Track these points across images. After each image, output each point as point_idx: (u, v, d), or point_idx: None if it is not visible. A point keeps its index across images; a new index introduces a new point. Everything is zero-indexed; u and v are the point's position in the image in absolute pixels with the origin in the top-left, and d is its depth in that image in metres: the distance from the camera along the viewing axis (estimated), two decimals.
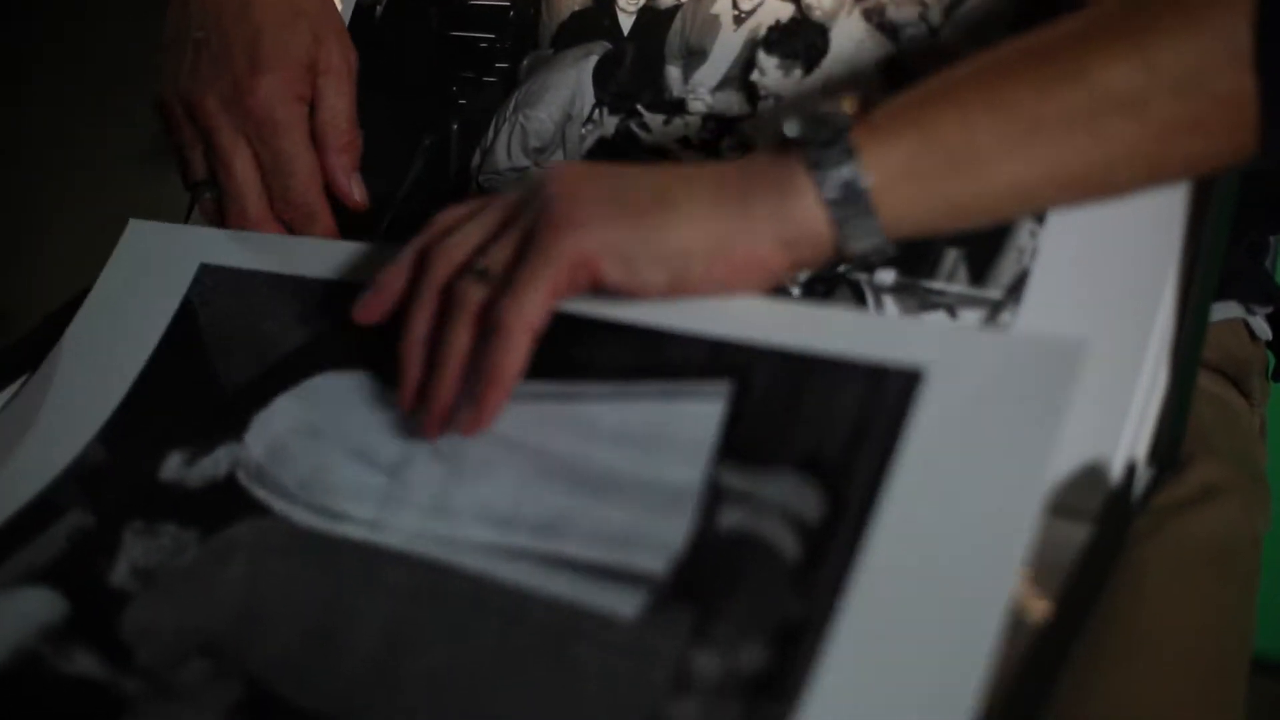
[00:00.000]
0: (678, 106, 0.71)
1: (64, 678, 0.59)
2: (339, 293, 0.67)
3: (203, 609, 0.59)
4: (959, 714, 0.47)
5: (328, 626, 0.57)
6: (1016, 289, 0.61)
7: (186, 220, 0.79)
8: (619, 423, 0.58)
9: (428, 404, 0.59)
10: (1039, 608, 0.55)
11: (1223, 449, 0.67)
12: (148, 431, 0.67)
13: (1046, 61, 0.55)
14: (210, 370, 0.68)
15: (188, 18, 0.74)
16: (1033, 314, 0.60)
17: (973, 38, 0.66)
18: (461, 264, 0.59)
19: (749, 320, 0.58)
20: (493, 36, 0.77)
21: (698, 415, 0.57)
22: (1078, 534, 0.57)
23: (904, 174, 0.55)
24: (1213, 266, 0.59)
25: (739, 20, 0.71)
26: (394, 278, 0.61)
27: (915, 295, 0.62)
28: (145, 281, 0.73)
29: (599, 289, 0.57)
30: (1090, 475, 0.58)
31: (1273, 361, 0.80)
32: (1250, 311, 0.76)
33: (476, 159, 0.76)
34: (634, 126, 0.72)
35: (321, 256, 0.70)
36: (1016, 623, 0.53)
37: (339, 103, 0.74)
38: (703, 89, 0.71)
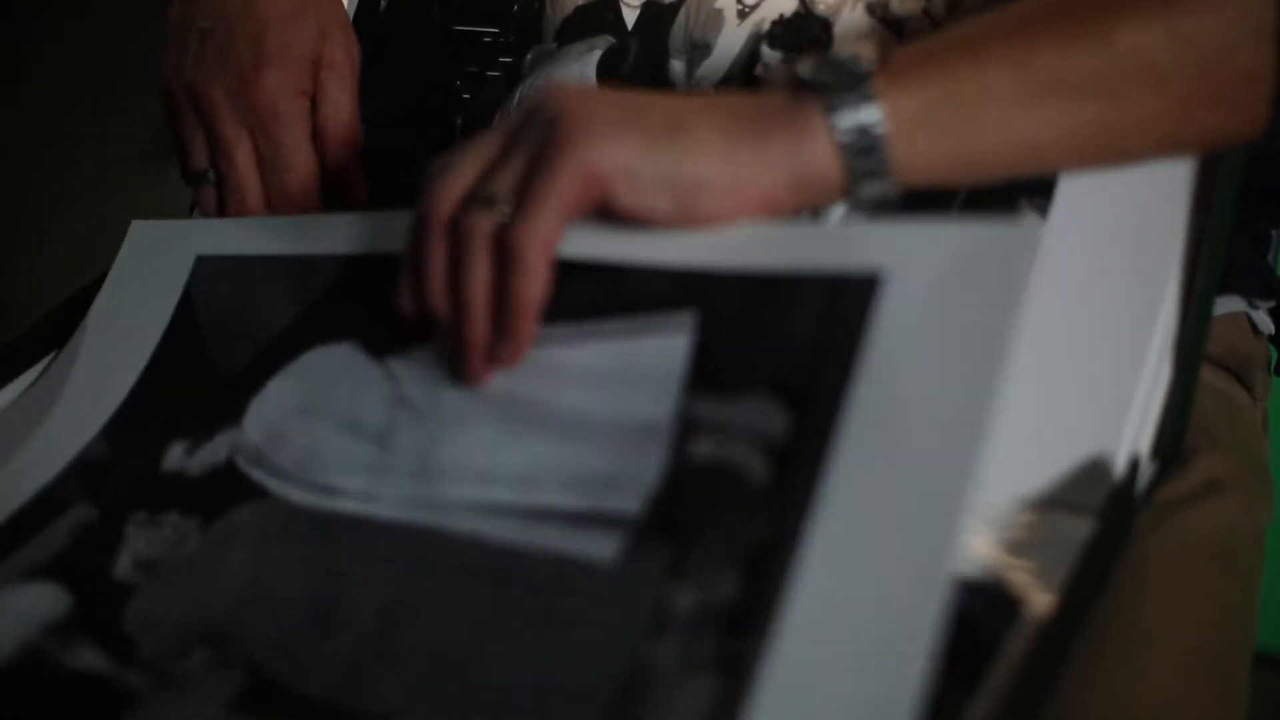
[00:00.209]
0: None
1: (68, 673, 0.58)
2: (325, 265, 0.67)
3: (205, 597, 0.59)
4: (925, 627, 0.47)
5: (324, 606, 0.57)
6: None
7: (191, 215, 0.79)
8: (586, 364, 0.57)
9: (464, 348, 0.57)
10: (1041, 602, 0.54)
11: (1226, 443, 0.67)
12: (151, 426, 0.67)
13: (1072, 22, 0.55)
14: (209, 360, 0.68)
15: (193, 7, 0.74)
16: (1035, 307, 0.60)
17: None
18: (464, 194, 0.56)
19: (708, 247, 0.56)
20: (496, 31, 0.77)
21: (664, 350, 0.56)
22: (1080, 529, 0.57)
23: (920, 123, 0.55)
24: (1215, 260, 0.59)
25: (743, 14, 0.71)
26: (409, 248, 0.58)
27: None
28: (148, 279, 0.73)
29: (605, 211, 0.55)
30: (1093, 470, 0.58)
31: (1275, 355, 0.80)
32: (1253, 305, 0.76)
33: None
34: None
35: (308, 232, 0.70)
36: (1018, 618, 0.54)
37: (342, 98, 0.74)
38: (707, 83, 0.71)
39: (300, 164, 0.73)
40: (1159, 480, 0.59)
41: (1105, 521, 0.56)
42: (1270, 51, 0.54)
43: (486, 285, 0.56)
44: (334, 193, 0.75)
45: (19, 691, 0.59)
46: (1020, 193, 0.62)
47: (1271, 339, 0.79)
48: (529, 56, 0.76)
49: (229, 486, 0.62)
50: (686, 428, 0.54)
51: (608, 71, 0.74)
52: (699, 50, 0.72)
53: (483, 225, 0.55)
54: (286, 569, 0.59)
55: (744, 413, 0.54)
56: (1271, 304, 0.77)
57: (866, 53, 0.55)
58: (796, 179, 0.55)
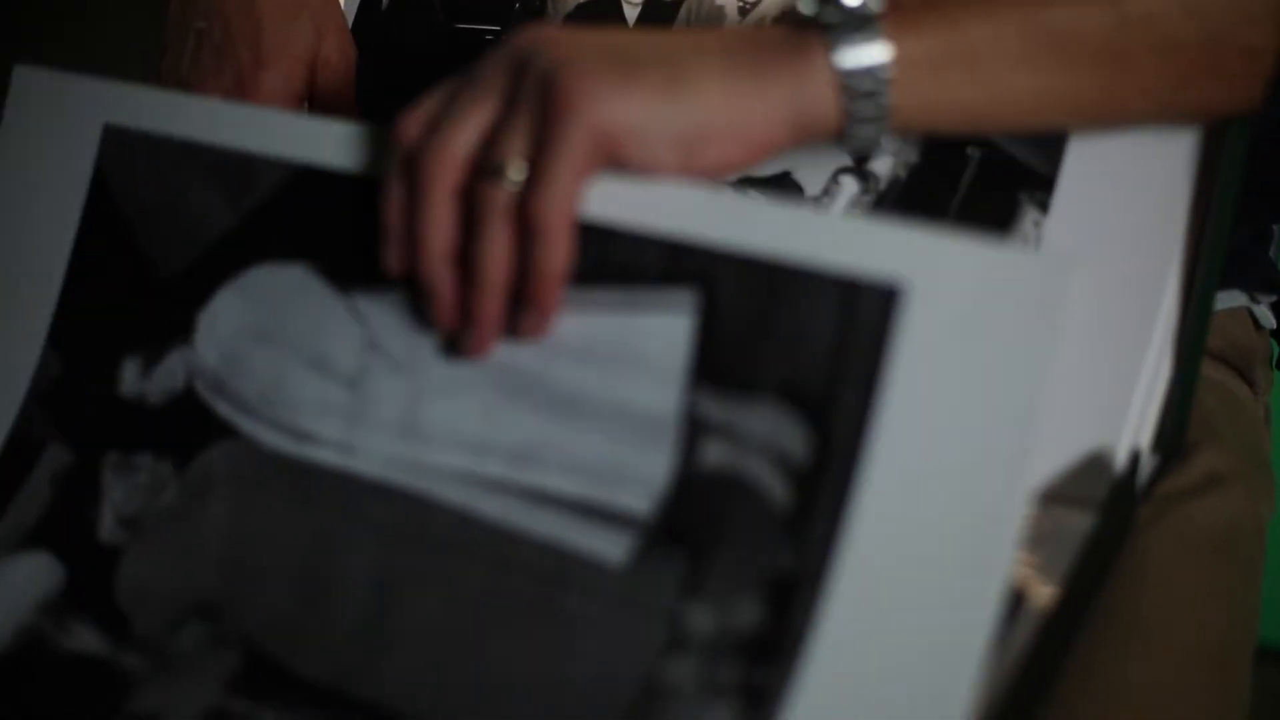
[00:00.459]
0: None
1: (65, 656, 0.58)
2: (266, 170, 0.61)
3: (191, 564, 0.58)
4: (966, 668, 0.46)
5: (316, 578, 0.56)
6: None
7: None
8: (581, 336, 0.55)
9: (475, 322, 0.54)
10: (1043, 595, 0.55)
11: (1227, 437, 0.67)
12: (96, 333, 0.63)
13: None
14: (139, 255, 0.63)
15: (191, 6, 0.74)
16: None
17: None
18: (467, 161, 0.54)
19: (707, 216, 0.53)
20: (499, 29, 0.77)
21: (664, 331, 0.54)
22: (1082, 522, 0.57)
23: (924, 70, 0.54)
24: (1217, 254, 0.59)
25: (744, 11, 0.71)
26: (396, 212, 0.55)
27: None
28: (47, 146, 0.65)
29: (615, 168, 0.53)
30: (1094, 464, 0.58)
31: (1277, 350, 0.80)
32: (1254, 300, 0.76)
33: None
34: None
35: (244, 125, 0.63)
36: (1020, 611, 0.54)
37: (338, 98, 0.74)
38: None
39: None
40: (1160, 474, 0.59)
41: (1106, 515, 0.56)
42: (1276, 32, 0.54)
43: (506, 259, 0.53)
44: None
45: (21, 678, 0.59)
46: (1021, 187, 0.62)
47: (1273, 333, 0.79)
48: None
49: (196, 420, 0.60)
50: (694, 426, 0.53)
51: None
52: None
53: (498, 198, 0.53)
54: (270, 529, 0.57)
55: (757, 421, 0.52)
56: (1273, 298, 0.77)
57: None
58: (796, 121, 0.53)
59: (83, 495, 0.61)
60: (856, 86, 0.53)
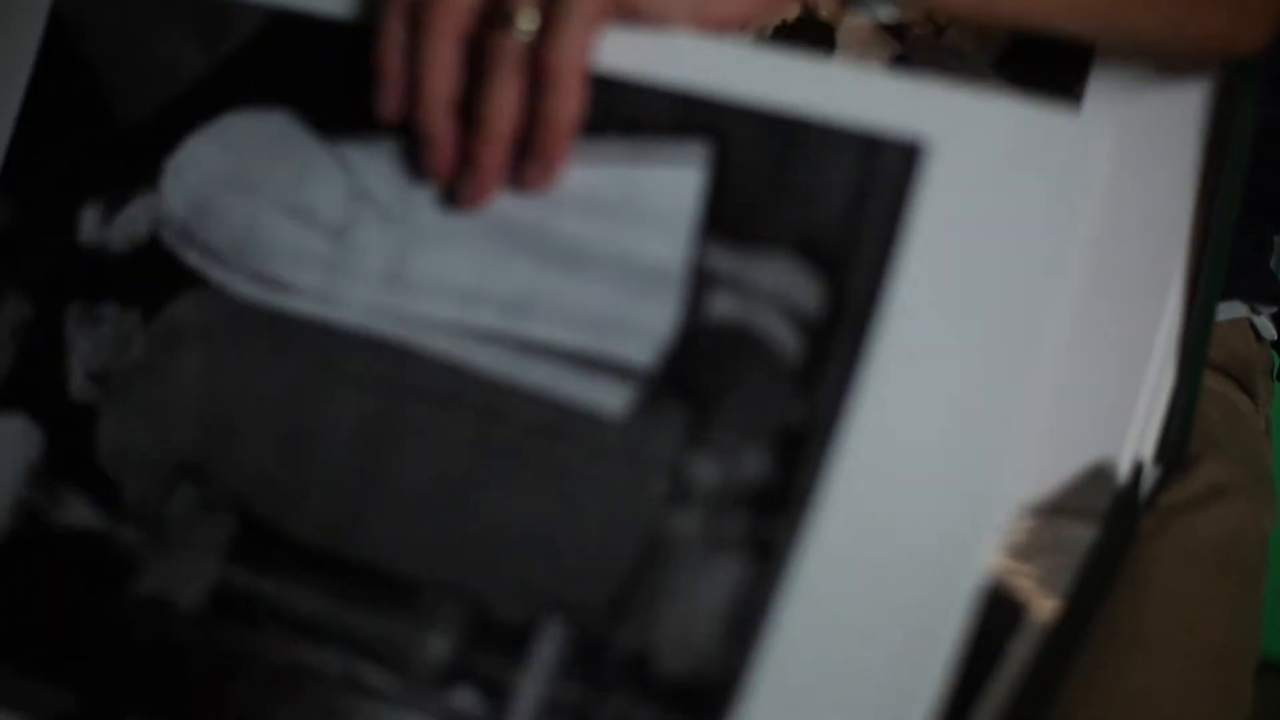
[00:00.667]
0: None
1: (64, 532, 0.57)
2: (241, 14, 0.58)
3: (168, 420, 0.56)
4: (984, 519, 0.45)
5: (298, 433, 0.54)
6: None
7: None
8: (585, 188, 0.53)
9: (476, 172, 0.52)
10: (1046, 607, 0.54)
11: (1229, 448, 0.67)
12: (51, 179, 0.61)
13: None
14: (101, 99, 0.60)
15: None
16: None
17: (979, 37, 0.66)
18: (473, 7, 0.52)
19: (716, 68, 0.51)
20: None
21: (673, 182, 0.52)
22: (1085, 534, 0.57)
23: None
24: (1219, 265, 0.59)
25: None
26: (393, 57, 0.53)
27: None
28: None
29: (627, 19, 0.52)
30: (1097, 475, 0.58)
31: (1278, 361, 0.80)
32: (1255, 311, 0.76)
33: None
34: None
35: None
36: (1023, 622, 0.53)
37: None
38: None
39: None
40: (1162, 486, 0.59)
41: (1109, 527, 0.56)
42: None
43: (514, 110, 0.51)
44: None
45: (21, 560, 0.57)
46: None
47: (1274, 344, 0.79)
48: None
49: (161, 269, 0.58)
50: (701, 278, 0.51)
51: None
52: None
53: (508, 47, 0.51)
54: (246, 382, 0.56)
55: (766, 272, 0.50)
56: (1274, 309, 0.77)
57: None
58: None
59: (48, 350, 0.59)
60: None
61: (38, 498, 0.58)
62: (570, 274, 0.52)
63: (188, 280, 0.57)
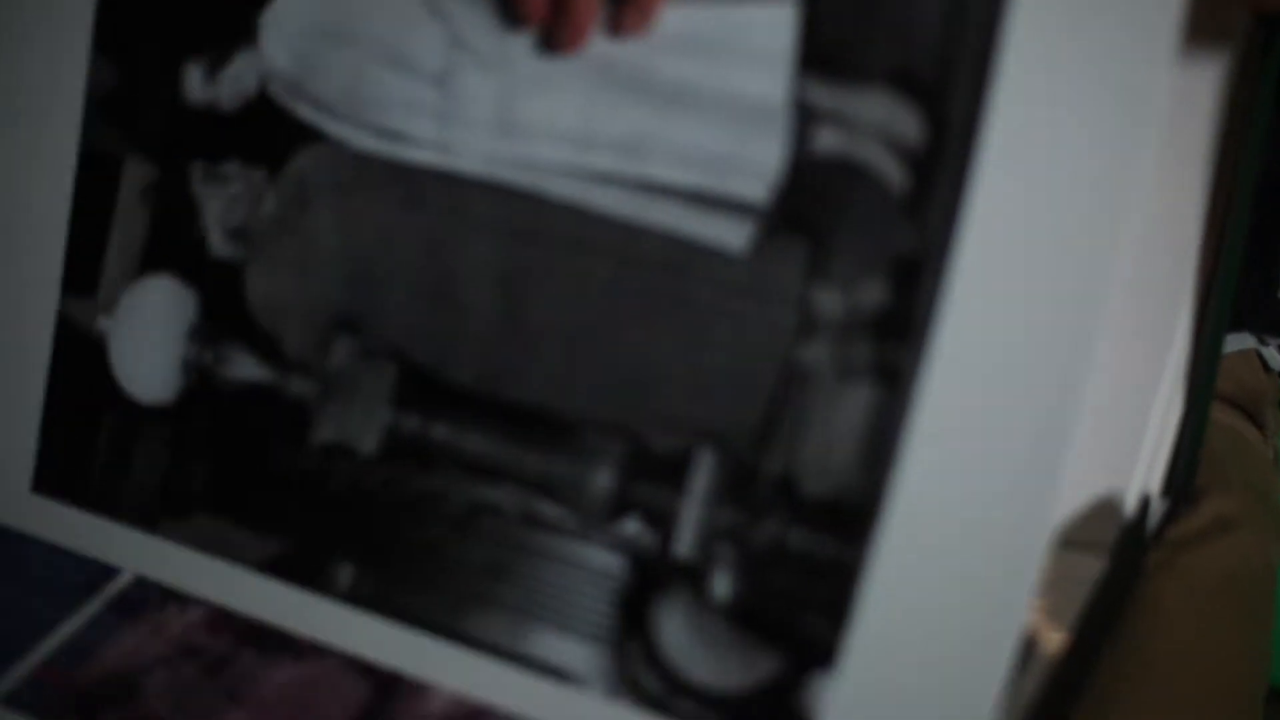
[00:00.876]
0: None
1: (237, 387, 0.60)
2: None
3: (312, 274, 0.59)
4: (1086, 334, 0.47)
5: (439, 282, 0.57)
6: None
7: None
8: (683, 28, 0.54)
9: (571, 16, 0.53)
10: (1053, 641, 0.54)
11: (1237, 481, 0.67)
12: (148, 37, 0.62)
13: None
14: None
15: None
16: None
17: None
18: None
19: None
20: None
21: (769, 19, 0.53)
22: (1092, 567, 0.57)
23: None
24: (1226, 297, 0.59)
25: None
26: None
27: None
28: None
29: None
30: (1104, 508, 0.58)
31: None
32: (1263, 343, 0.76)
33: None
34: None
35: None
36: (1031, 656, 0.53)
37: None
38: None
39: None
40: (1170, 518, 0.59)
41: (1117, 560, 0.56)
42: None
43: None
44: None
45: (201, 414, 0.60)
46: None
47: None
48: None
49: (277, 124, 0.59)
50: (804, 113, 0.52)
51: None
52: None
53: None
54: (382, 234, 0.58)
55: (868, 107, 0.52)
56: None
57: None
58: None
59: (180, 210, 0.61)
60: None
61: (204, 355, 0.60)
62: (677, 114, 0.54)
63: (305, 134, 0.59)
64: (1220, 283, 0.59)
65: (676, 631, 0.55)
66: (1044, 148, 0.49)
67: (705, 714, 0.54)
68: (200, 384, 0.61)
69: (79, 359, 0.63)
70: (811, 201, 0.52)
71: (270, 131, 0.59)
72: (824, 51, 0.52)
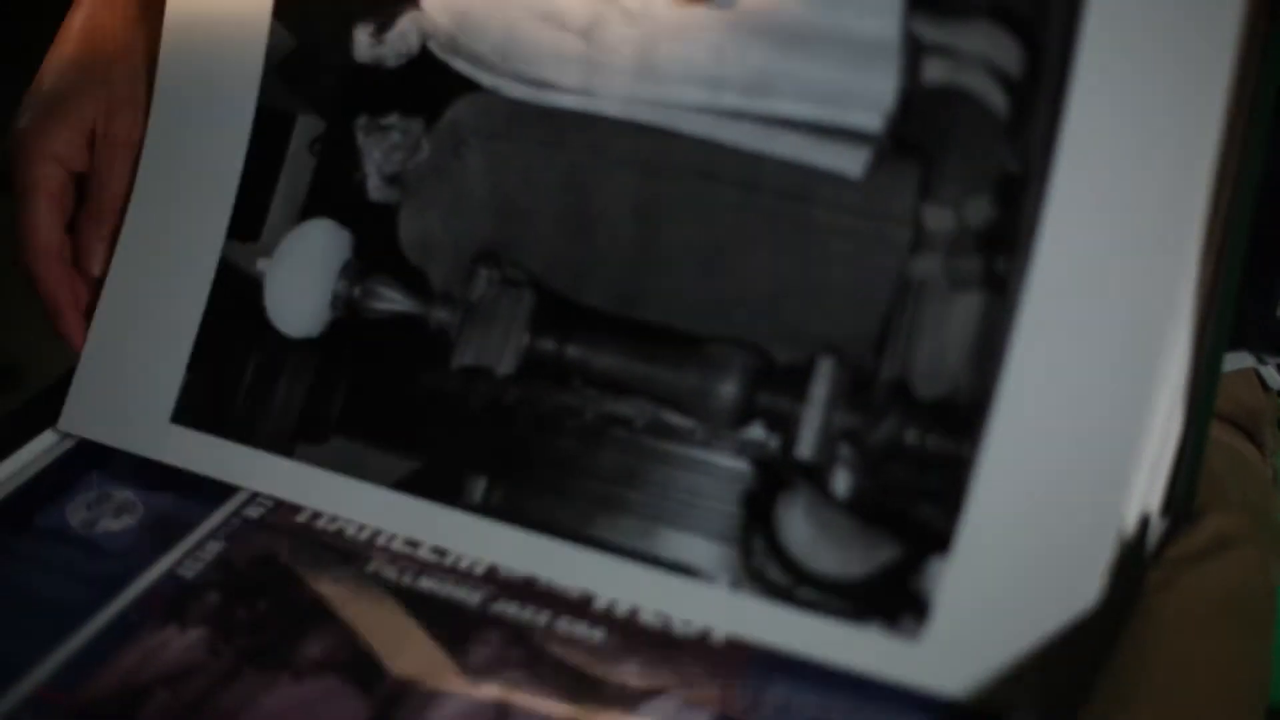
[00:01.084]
0: None
1: (384, 317, 0.65)
2: None
3: (462, 212, 0.64)
4: (1177, 239, 0.54)
5: (580, 214, 0.62)
6: None
7: None
8: None
9: None
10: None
11: (1236, 500, 0.67)
12: (321, 4, 0.67)
13: None
14: None
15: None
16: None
17: None
18: None
19: None
20: None
21: None
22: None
23: None
24: (1226, 315, 0.59)
25: None
26: None
27: None
28: None
29: None
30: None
31: None
32: (1262, 361, 0.76)
33: None
34: None
35: None
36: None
37: (111, 180, 0.70)
38: None
39: (37, 240, 0.69)
40: (1169, 538, 0.59)
41: (1116, 579, 0.56)
42: None
43: None
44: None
45: (349, 344, 0.66)
46: None
47: None
48: None
49: (434, 77, 0.65)
50: (915, 47, 0.58)
51: None
52: None
53: None
54: (527, 173, 0.63)
55: (972, 39, 0.57)
56: None
57: None
58: None
59: (344, 159, 0.66)
60: None
61: (354, 291, 0.66)
62: (799, 53, 0.59)
63: (461, 86, 0.65)
64: (1220, 301, 0.59)
65: (799, 526, 0.58)
66: (1130, 71, 0.54)
67: (828, 600, 0.57)
68: (348, 317, 0.66)
69: (233, 300, 0.67)
70: (923, 127, 0.58)
71: (428, 85, 0.65)
72: None
